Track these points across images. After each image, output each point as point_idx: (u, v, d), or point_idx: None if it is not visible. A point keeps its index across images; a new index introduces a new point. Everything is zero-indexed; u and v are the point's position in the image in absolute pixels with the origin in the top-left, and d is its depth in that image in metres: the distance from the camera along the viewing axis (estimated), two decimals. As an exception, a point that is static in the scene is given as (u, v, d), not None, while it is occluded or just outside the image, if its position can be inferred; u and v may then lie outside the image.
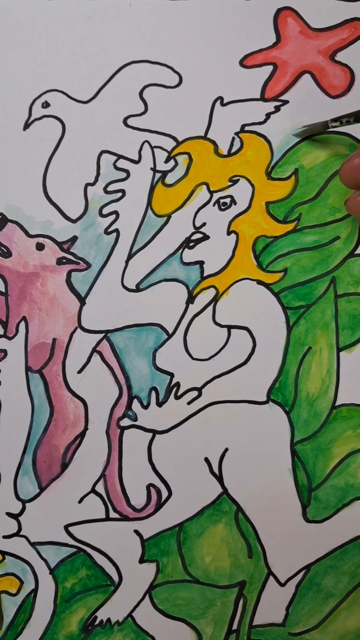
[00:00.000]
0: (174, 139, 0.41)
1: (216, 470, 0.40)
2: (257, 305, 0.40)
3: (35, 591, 0.40)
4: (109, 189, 0.41)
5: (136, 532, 0.40)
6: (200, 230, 0.40)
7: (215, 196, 0.41)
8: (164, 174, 0.41)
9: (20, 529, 0.40)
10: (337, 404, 0.40)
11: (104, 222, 0.41)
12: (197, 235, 0.40)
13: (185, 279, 0.40)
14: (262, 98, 0.41)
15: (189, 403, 0.40)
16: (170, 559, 0.40)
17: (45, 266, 0.41)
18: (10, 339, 0.40)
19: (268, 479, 0.40)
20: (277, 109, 0.41)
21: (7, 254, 0.41)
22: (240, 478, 0.40)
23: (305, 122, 0.41)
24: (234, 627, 0.40)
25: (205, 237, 0.41)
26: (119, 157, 0.41)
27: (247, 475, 0.40)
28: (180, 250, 0.41)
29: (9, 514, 0.40)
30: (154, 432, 0.40)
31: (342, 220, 0.41)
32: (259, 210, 0.41)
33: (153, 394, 0.40)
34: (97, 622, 0.40)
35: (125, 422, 0.40)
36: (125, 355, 0.40)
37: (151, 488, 0.40)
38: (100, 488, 0.40)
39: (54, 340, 0.40)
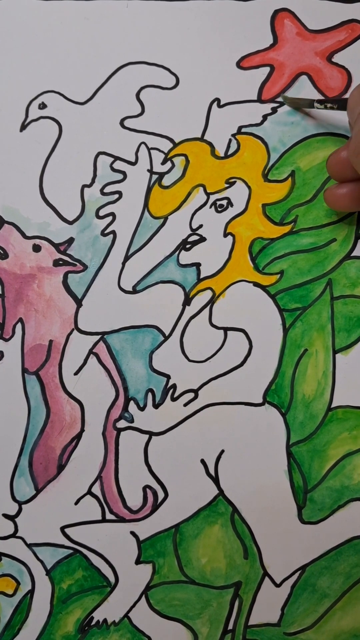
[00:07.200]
0: (171, 140, 0.41)
1: (212, 471, 0.40)
2: (253, 307, 0.40)
3: (31, 592, 0.40)
4: (106, 190, 0.41)
5: (132, 533, 0.40)
6: (197, 232, 0.40)
7: (212, 198, 0.41)
8: (161, 175, 0.41)
9: (16, 530, 0.40)
10: (332, 405, 0.40)
11: (101, 224, 0.41)
12: (194, 237, 0.40)
13: (182, 281, 0.40)
14: (259, 100, 0.41)
15: (185, 405, 0.40)
16: (167, 560, 0.40)
17: (42, 268, 0.41)
18: (6, 340, 0.40)
19: (264, 480, 0.40)
20: (274, 110, 0.41)
21: (4, 255, 0.41)
22: (237, 479, 0.40)
23: (302, 122, 0.41)
24: (230, 627, 0.40)
25: (202, 239, 0.40)
26: (116, 158, 0.41)
27: (243, 477, 0.40)
28: (177, 252, 0.41)
29: (5, 516, 0.40)
30: (151, 434, 0.40)
31: (339, 222, 0.41)
32: (255, 212, 0.41)
33: (149, 395, 0.40)
34: (93, 623, 0.40)
35: (122, 423, 0.40)
36: (121, 357, 0.40)
37: (147, 489, 0.40)
38: (96, 489, 0.40)
39: (51, 341, 0.40)
